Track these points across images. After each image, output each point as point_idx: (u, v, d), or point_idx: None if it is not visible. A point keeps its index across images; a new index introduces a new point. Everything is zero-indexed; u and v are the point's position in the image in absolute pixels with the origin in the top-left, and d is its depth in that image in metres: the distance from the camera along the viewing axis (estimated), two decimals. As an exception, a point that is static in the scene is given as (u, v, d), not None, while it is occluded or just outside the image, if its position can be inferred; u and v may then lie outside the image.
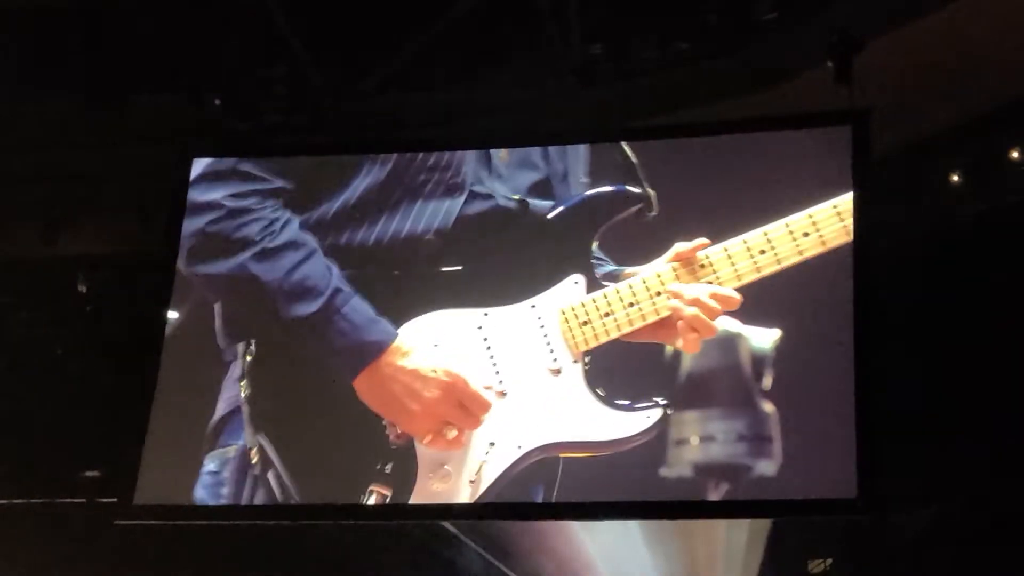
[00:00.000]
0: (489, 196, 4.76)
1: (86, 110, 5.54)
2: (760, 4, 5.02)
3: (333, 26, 5.38)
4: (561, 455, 4.49)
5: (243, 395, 4.72)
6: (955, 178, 5.31)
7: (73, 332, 5.97)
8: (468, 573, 5.86)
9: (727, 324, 4.45)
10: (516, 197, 4.75)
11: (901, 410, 4.62)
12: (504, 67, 5.35)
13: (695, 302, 4.44)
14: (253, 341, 4.76)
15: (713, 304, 4.42)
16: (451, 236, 4.74)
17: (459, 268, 4.73)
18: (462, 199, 4.78)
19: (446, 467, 4.53)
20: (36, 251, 5.95)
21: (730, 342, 4.46)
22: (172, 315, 4.93)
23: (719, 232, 4.48)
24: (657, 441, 4.43)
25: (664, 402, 4.44)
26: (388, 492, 4.56)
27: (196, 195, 4.95)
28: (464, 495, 4.50)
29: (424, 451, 4.56)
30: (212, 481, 4.68)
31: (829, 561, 5.56)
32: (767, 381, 4.40)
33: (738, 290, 4.41)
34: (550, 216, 4.71)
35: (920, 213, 5.31)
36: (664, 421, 4.42)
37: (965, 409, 5.10)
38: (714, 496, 4.38)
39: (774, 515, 4.81)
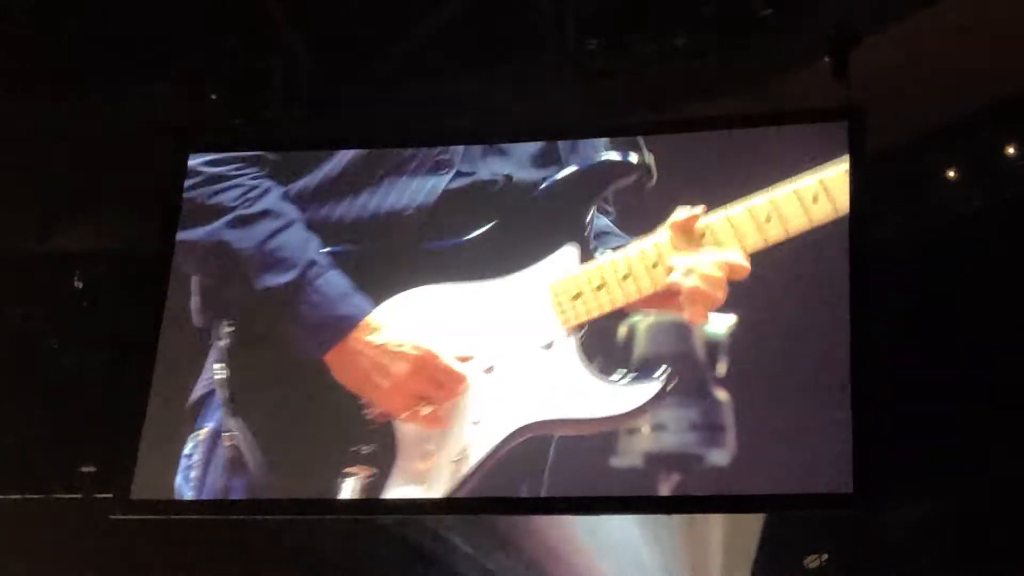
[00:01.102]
0: (472, 172, 4.67)
1: (81, 104, 5.53)
2: (757, -1, 5.02)
3: (330, 20, 5.37)
4: (556, 434, 4.35)
5: (217, 377, 4.65)
6: (951, 174, 5.31)
7: (69, 327, 5.95)
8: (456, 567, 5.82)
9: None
10: (504, 174, 4.65)
11: (896, 406, 4.61)
12: (501, 61, 5.34)
13: (692, 272, 4.32)
14: (230, 320, 4.70)
15: (714, 272, 4.30)
16: (436, 212, 4.65)
17: (448, 243, 4.62)
18: (449, 176, 4.70)
19: (428, 447, 4.42)
20: (32, 246, 5.94)
21: (683, 327, 4.36)
22: (168, 308, 4.91)
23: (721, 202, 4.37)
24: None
25: (662, 375, 4.33)
26: (367, 473, 4.45)
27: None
28: (446, 475, 4.39)
29: (406, 431, 4.45)
30: (184, 465, 4.63)
31: (825, 556, 5.56)
32: (721, 368, 4.31)
33: None
34: (543, 186, 4.60)
35: (916, 209, 5.31)
36: (663, 395, 4.31)
37: (960, 405, 5.09)
38: (665, 488, 4.28)
39: (770, 510, 4.77)
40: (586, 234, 4.51)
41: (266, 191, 4.76)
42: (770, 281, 4.35)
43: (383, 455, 4.47)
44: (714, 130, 4.74)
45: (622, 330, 4.38)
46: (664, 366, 4.33)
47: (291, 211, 4.72)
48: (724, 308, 4.33)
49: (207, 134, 5.23)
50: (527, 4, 5.19)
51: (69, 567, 5.67)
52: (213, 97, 5.36)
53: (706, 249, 4.34)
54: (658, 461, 4.29)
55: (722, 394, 4.30)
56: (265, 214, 4.71)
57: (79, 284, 5.87)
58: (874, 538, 5.29)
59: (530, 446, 4.38)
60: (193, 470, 4.61)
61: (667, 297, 4.36)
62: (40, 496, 5.65)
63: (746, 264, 4.30)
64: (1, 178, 5.72)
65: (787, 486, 4.21)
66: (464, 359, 4.49)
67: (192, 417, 4.69)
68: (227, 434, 4.60)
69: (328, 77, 5.42)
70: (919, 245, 5.25)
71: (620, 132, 4.79)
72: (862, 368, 4.26)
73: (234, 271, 4.69)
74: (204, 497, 4.59)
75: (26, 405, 5.71)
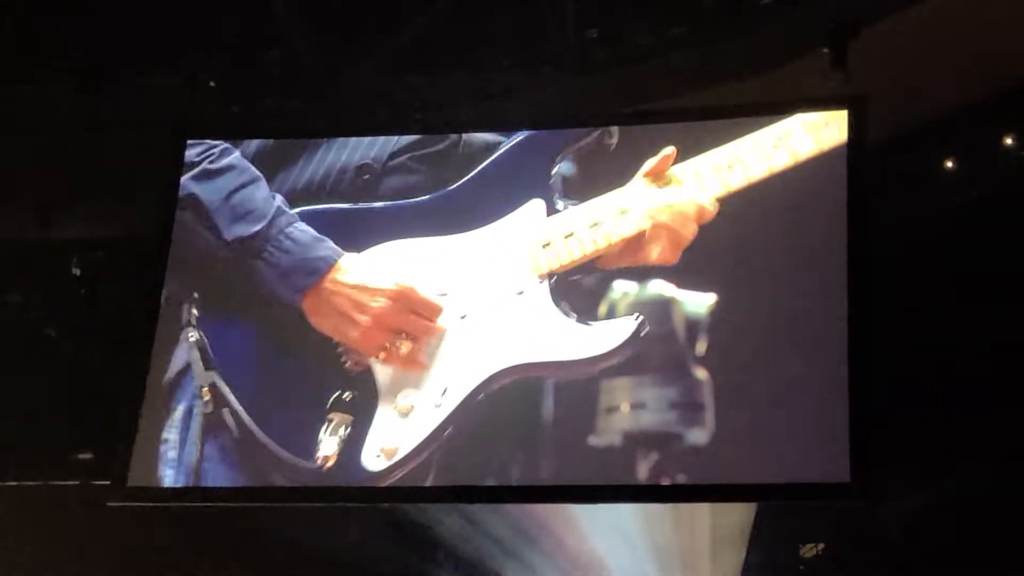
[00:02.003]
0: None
1: (80, 93, 5.52)
2: (757, -11, 5.01)
3: (328, 9, 5.36)
4: (536, 375, 4.39)
5: (191, 339, 4.68)
6: (950, 164, 5.31)
7: (67, 315, 5.96)
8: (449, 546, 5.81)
9: (661, 288, 4.40)
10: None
11: (893, 397, 4.61)
12: (499, 51, 5.33)
13: (661, 210, 4.39)
14: (197, 281, 4.76)
15: (683, 208, 4.39)
16: (391, 170, 4.75)
17: (410, 202, 4.71)
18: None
19: (409, 391, 4.47)
20: (30, 234, 5.94)
21: (664, 306, 4.39)
22: (164, 297, 4.91)
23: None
24: (587, 408, 4.35)
25: (638, 316, 4.36)
26: (349, 419, 4.48)
27: None
28: (429, 417, 4.42)
29: (385, 375, 4.50)
30: (163, 450, 4.62)
31: (821, 546, 5.56)
32: (701, 347, 4.33)
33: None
34: (508, 143, 4.70)
35: (915, 199, 5.31)
36: (638, 335, 4.34)
37: (957, 396, 5.10)
38: (644, 466, 4.28)
39: (767, 498, 4.75)
40: (552, 188, 4.58)
41: (226, 149, 4.89)
42: (758, 260, 4.40)
43: (363, 401, 4.51)
44: (712, 120, 4.72)
45: (602, 308, 4.42)
46: (636, 312, 4.37)
47: (254, 169, 4.83)
48: (704, 287, 4.37)
49: (205, 123, 5.23)
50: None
51: (66, 553, 5.69)
52: (211, 85, 5.36)
53: (673, 190, 4.43)
54: (637, 440, 4.30)
55: (702, 373, 4.31)
56: (230, 168, 4.83)
57: (77, 272, 5.88)
58: (871, 528, 5.30)
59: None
60: (171, 451, 4.61)
61: (637, 246, 4.41)
62: (37, 483, 5.67)
63: (712, 207, 4.40)
64: (0, 167, 5.72)
65: (770, 467, 4.21)
66: (439, 294, 4.55)
67: (166, 401, 4.69)
68: (204, 388, 4.61)
69: (325, 66, 5.41)
70: (916, 234, 5.25)
71: (616, 121, 4.79)
72: (859, 356, 4.25)
73: (205, 223, 4.77)
74: (183, 474, 4.59)
75: (23, 392, 5.72)
